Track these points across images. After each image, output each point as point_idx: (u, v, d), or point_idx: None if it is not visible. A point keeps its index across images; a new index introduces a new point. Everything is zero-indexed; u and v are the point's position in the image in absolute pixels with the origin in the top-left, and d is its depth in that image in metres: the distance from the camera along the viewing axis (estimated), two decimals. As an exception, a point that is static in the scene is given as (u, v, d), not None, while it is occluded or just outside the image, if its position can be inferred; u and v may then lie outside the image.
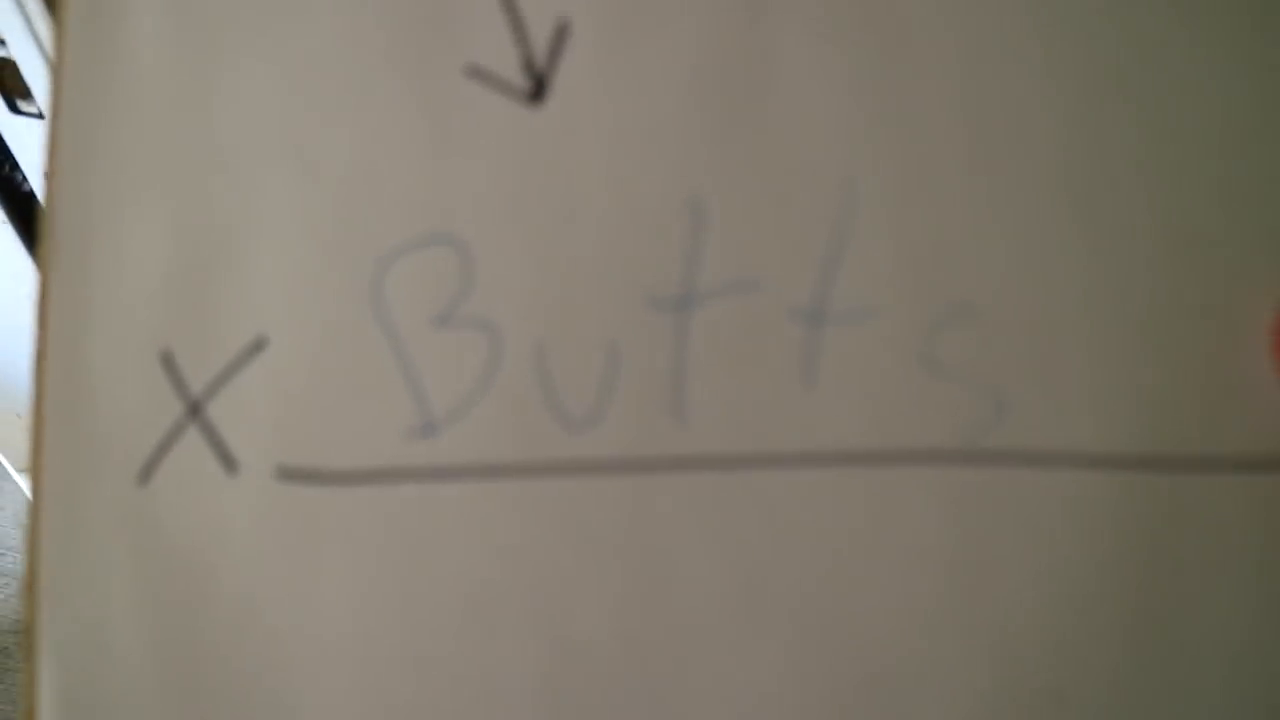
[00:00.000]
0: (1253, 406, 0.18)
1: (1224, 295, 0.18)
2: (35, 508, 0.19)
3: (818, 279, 0.18)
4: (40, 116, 0.47)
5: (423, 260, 0.19)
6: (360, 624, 0.19)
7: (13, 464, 0.78)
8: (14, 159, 0.51)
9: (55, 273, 0.19)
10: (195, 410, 0.19)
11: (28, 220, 0.55)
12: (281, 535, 0.19)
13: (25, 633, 0.19)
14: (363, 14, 0.19)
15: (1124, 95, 0.18)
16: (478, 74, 0.19)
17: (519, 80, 0.19)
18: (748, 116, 0.18)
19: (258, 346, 0.19)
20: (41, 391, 0.19)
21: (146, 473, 0.19)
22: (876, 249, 0.18)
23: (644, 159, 0.19)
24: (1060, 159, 0.18)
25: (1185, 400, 0.18)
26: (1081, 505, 0.18)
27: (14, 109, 0.48)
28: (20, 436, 0.72)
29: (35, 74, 0.45)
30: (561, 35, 0.19)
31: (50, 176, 0.20)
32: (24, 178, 0.52)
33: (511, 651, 0.18)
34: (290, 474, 0.19)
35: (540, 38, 0.19)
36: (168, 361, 0.19)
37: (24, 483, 0.80)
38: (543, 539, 0.18)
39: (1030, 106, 0.18)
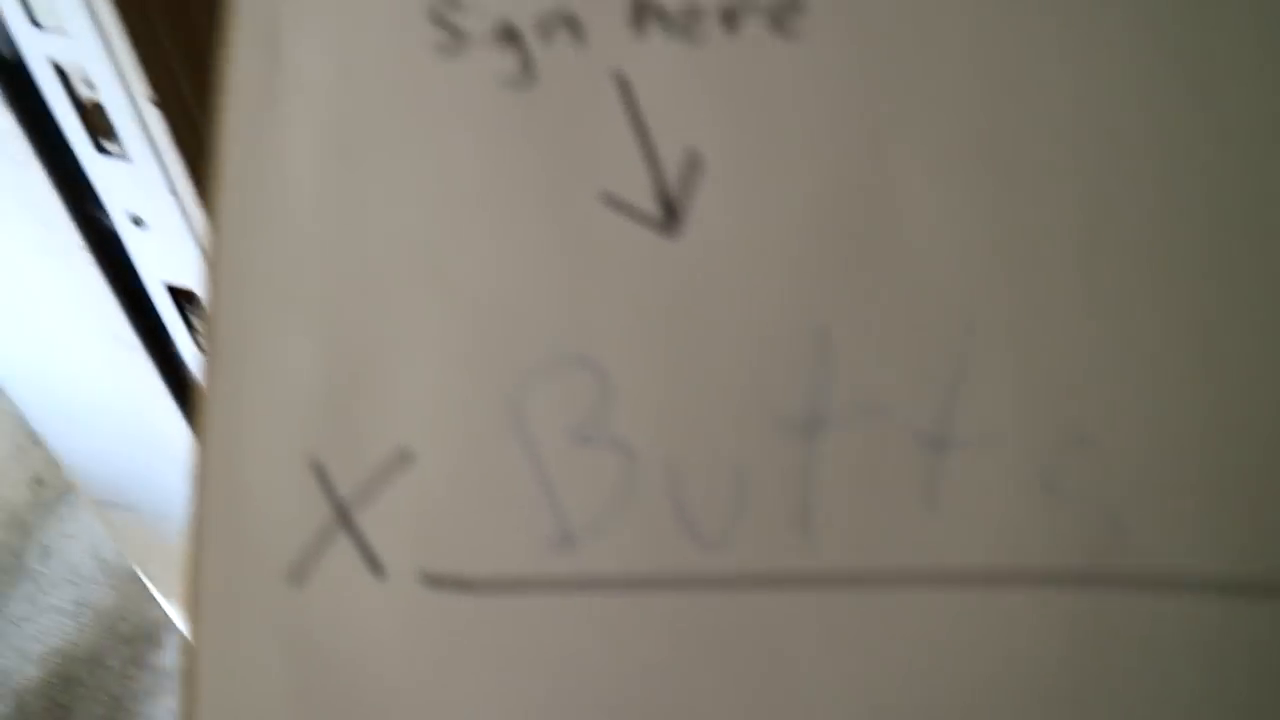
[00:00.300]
0: None
1: None
2: (194, 607, 0.21)
3: (940, 406, 0.19)
4: (124, 157, 0.49)
5: (560, 380, 0.20)
6: None
7: (91, 497, 0.81)
8: (99, 198, 0.53)
9: (214, 388, 0.21)
10: (344, 517, 0.20)
11: (111, 257, 0.57)
12: (425, 639, 0.20)
13: (185, 724, 0.21)
14: (503, 144, 0.20)
15: (1245, 230, 0.19)
16: (613, 202, 0.20)
17: (652, 209, 0.20)
18: (870, 248, 0.19)
19: (403, 458, 0.20)
20: (202, 496, 0.21)
21: (298, 576, 0.20)
22: (997, 377, 0.19)
23: (772, 288, 0.19)
24: (1181, 292, 0.19)
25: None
26: (1198, 629, 0.18)
27: (100, 149, 0.50)
28: (99, 470, 0.75)
29: (121, 116, 0.46)
30: (693, 166, 0.20)
31: (212, 294, 0.21)
32: (108, 217, 0.54)
33: None
34: (434, 580, 0.20)
35: (672, 168, 0.20)
36: (319, 471, 0.20)
37: (98, 514, 0.83)
38: (675, 651, 0.19)
39: (1147, 242, 0.19)
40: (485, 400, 0.20)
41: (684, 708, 0.19)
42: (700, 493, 0.19)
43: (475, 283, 0.20)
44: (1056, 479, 0.19)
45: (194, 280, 0.55)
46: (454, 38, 0.21)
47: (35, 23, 0.44)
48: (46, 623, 1.21)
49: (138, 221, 0.52)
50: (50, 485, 1.31)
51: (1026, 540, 0.19)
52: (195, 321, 0.59)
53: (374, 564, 0.20)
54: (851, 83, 0.20)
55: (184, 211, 0.50)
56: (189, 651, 0.21)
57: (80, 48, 0.43)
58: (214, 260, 0.21)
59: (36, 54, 0.45)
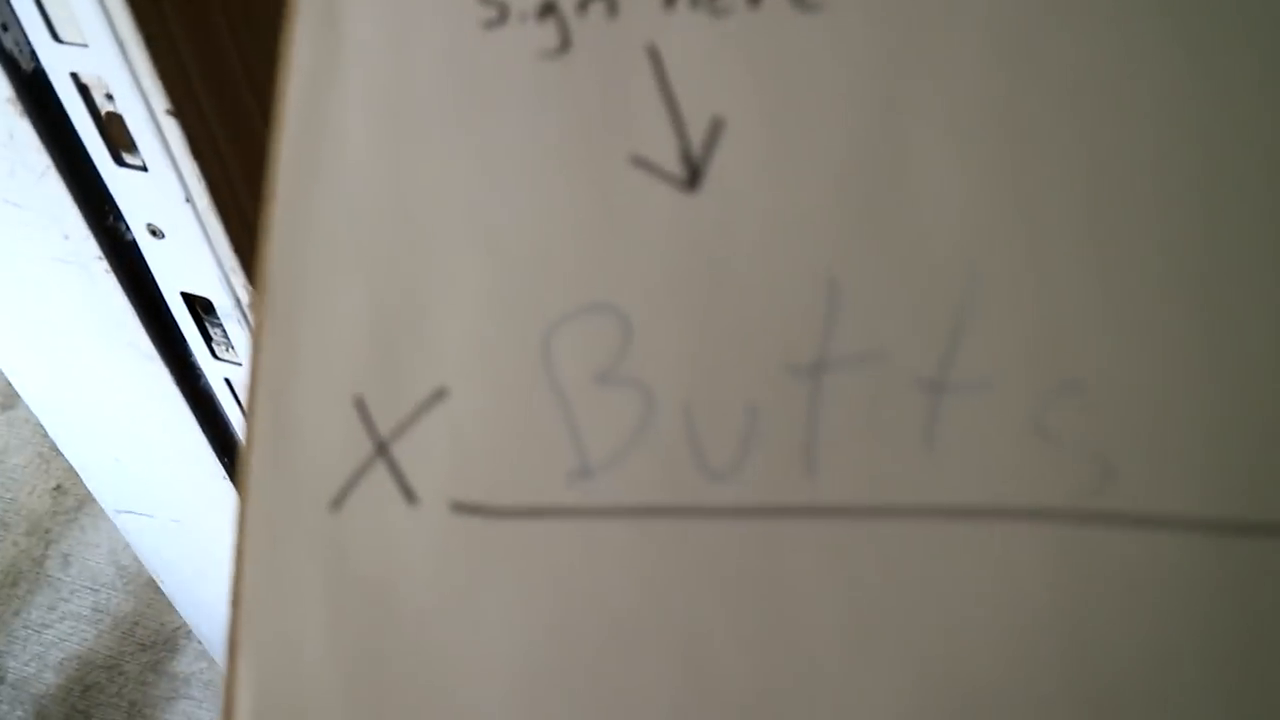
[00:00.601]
0: None
1: None
2: (241, 525, 0.22)
3: (941, 352, 0.20)
4: (144, 169, 0.50)
5: (587, 326, 0.21)
6: (517, 643, 0.21)
7: (109, 505, 0.82)
8: (119, 210, 0.55)
9: (267, 331, 0.23)
10: (382, 449, 0.22)
11: (130, 268, 0.58)
12: (452, 562, 0.21)
13: (229, 642, 0.22)
14: (540, 110, 0.22)
15: (1240, 181, 0.20)
16: (641, 163, 0.22)
17: (677, 169, 0.22)
18: (881, 204, 0.21)
19: (439, 396, 0.22)
20: (253, 426, 0.22)
21: (338, 502, 0.22)
22: (997, 326, 0.20)
23: (787, 242, 0.21)
24: (1179, 243, 0.20)
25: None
26: (1182, 567, 0.19)
27: (120, 161, 0.51)
28: (118, 478, 0.77)
29: (141, 128, 0.48)
30: (716, 130, 0.22)
31: (268, 242, 0.23)
32: (127, 228, 0.55)
33: (650, 676, 0.21)
34: (462, 508, 0.22)
35: (696, 132, 0.22)
36: (361, 407, 0.22)
37: (117, 522, 0.84)
38: (682, 576, 0.21)
39: (1146, 196, 0.20)
40: (516, 343, 0.22)
41: (688, 627, 0.20)
42: (712, 430, 0.21)
43: (511, 236, 0.22)
44: (1049, 422, 0.20)
45: (210, 289, 0.56)
46: (498, 12, 0.23)
47: (56, 37, 0.45)
48: (65, 629, 1.22)
49: (155, 232, 0.54)
50: (70, 493, 1.33)
51: (1018, 480, 0.20)
52: (211, 330, 0.60)
53: (408, 493, 0.22)
54: (868, 51, 0.21)
55: (200, 222, 0.51)
56: (237, 570, 0.22)
57: (100, 61, 0.45)
58: (272, 213, 0.23)
59: (57, 67, 0.47)
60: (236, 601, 0.22)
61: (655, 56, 0.22)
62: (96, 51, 0.44)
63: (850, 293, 0.21)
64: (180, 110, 0.46)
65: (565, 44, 0.22)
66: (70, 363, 0.66)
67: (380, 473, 0.22)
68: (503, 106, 0.22)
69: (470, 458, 0.22)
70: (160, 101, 0.46)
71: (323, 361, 0.22)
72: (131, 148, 0.50)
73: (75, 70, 0.46)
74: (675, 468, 0.21)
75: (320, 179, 0.23)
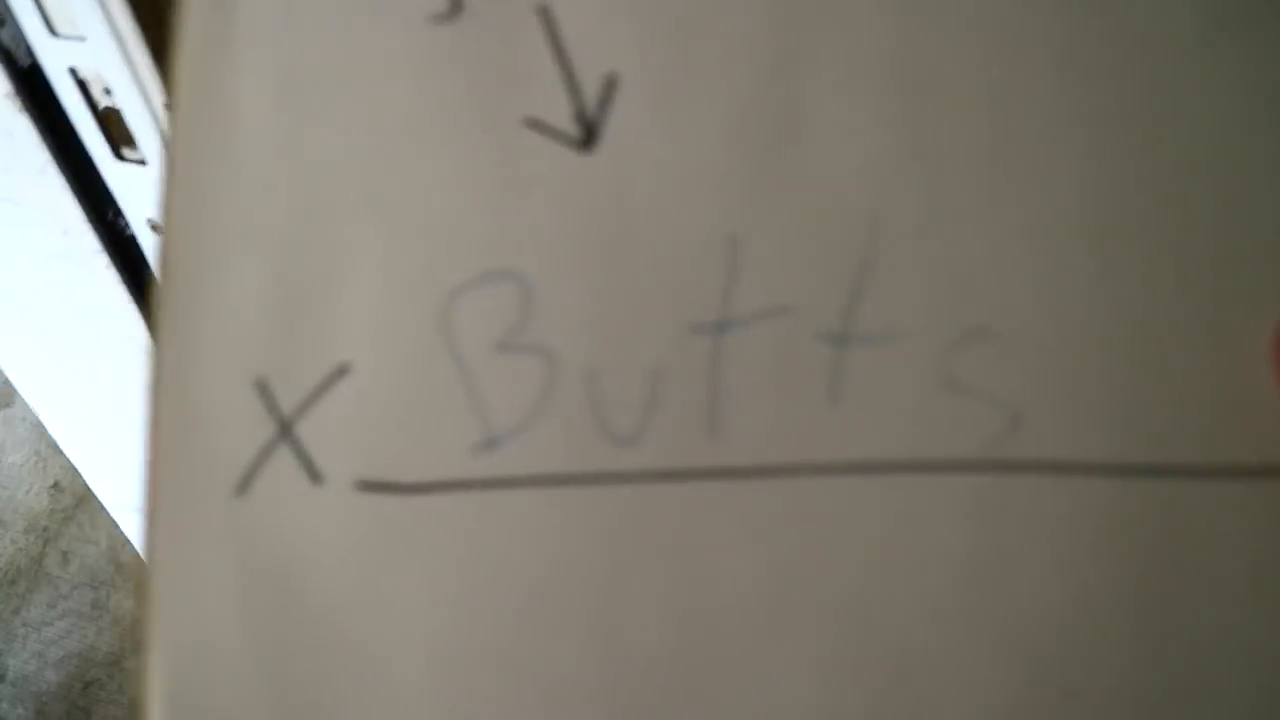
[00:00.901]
0: (1254, 418, 0.19)
1: (1228, 313, 0.19)
2: (149, 518, 0.22)
3: (844, 304, 0.20)
4: (143, 163, 0.50)
5: (487, 293, 0.21)
6: (430, 622, 0.21)
7: (109, 501, 0.82)
8: (118, 205, 0.54)
9: (167, 314, 0.22)
10: (285, 429, 0.21)
11: (131, 263, 0.58)
12: (361, 541, 0.21)
13: (137, 632, 0.22)
14: (433, 76, 0.22)
15: (1137, 128, 0.19)
16: (535, 125, 0.21)
17: (572, 129, 0.21)
18: (779, 159, 0.20)
19: (341, 372, 0.21)
20: (156, 415, 0.22)
21: (244, 486, 0.21)
22: (899, 276, 0.20)
23: (685, 200, 0.20)
24: (1074, 190, 0.20)
25: (1190, 412, 0.19)
26: (1092, 511, 0.19)
27: (119, 156, 0.51)
28: (117, 474, 0.77)
29: (140, 123, 0.47)
30: (610, 88, 0.21)
31: (166, 225, 0.22)
32: (127, 223, 0.55)
33: (568, 647, 0.20)
34: (369, 486, 0.21)
35: (591, 91, 0.21)
36: (262, 387, 0.22)
37: (121, 520, 0.84)
38: (593, 544, 0.20)
39: (1046, 141, 0.20)
40: (416, 314, 0.21)
41: (603, 595, 0.20)
42: (616, 394, 0.20)
43: (407, 205, 0.21)
44: (956, 372, 0.20)
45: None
46: (384, -26, 0.22)
47: (53, 31, 0.45)
48: (66, 626, 1.22)
49: (156, 227, 0.54)
50: (68, 491, 1.33)
51: (927, 432, 0.20)
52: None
53: (313, 474, 0.21)
54: (765, 3, 0.21)
55: (201, 218, 0.51)
56: (145, 562, 0.22)
57: (98, 55, 0.45)
58: (169, 192, 0.22)
59: (55, 62, 0.46)
60: (146, 595, 0.22)
61: (547, 15, 0.21)
62: (94, 46, 0.44)
63: (750, 248, 0.20)
64: (181, 104, 0.46)
65: (456, 6, 0.22)
66: (70, 358, 0.65)
67: (284, 454, 0.21)
68: (395, 72, 0.22)
69: (375, 434, 0.21)
70: (159, 95, 0.45)
71: (223, 343, 0.22)
72: (130, 142, 0.49)
73: (73, 65, 0.46)
74: (581, 434, 0.20)
75: (215, 155, 0.22)
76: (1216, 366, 0.19)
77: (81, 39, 0.44)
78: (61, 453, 0.79)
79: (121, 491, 0.80)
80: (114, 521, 0.86)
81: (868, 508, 0.20)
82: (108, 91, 0.47)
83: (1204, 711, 0.18)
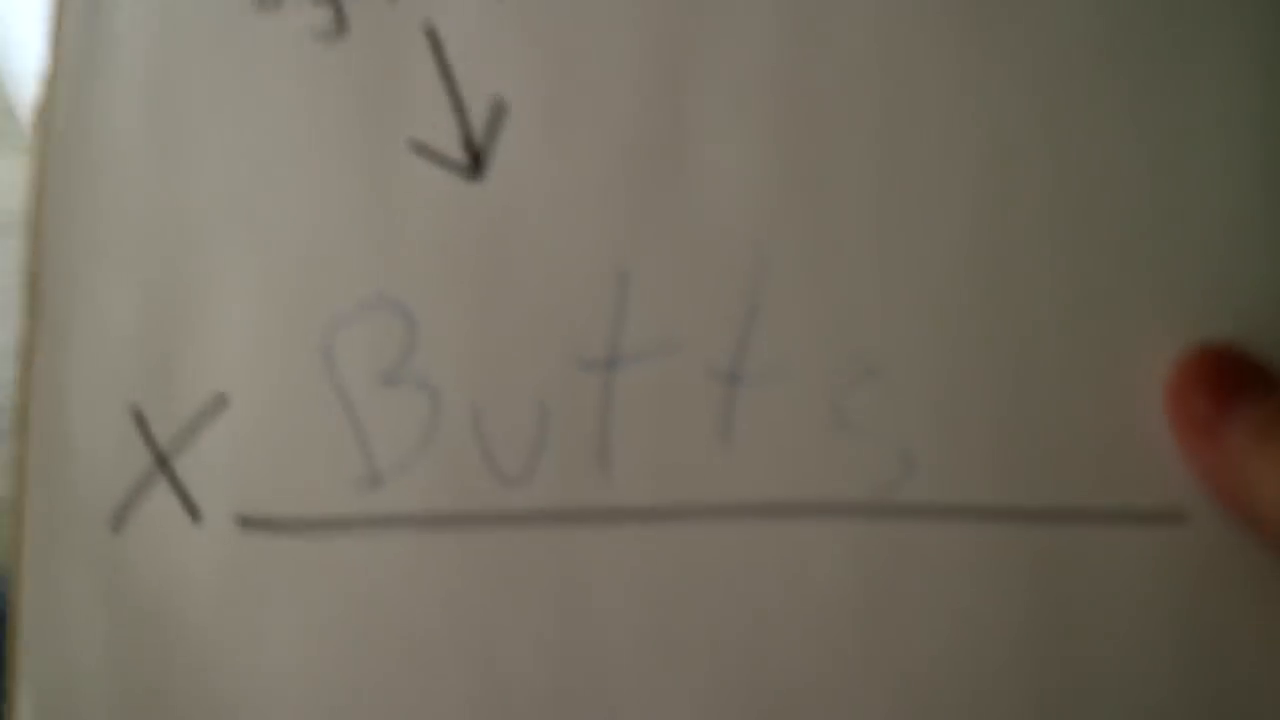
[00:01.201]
0: (1144, 460, 0.19)
1: (1119, 353, 0.19)
2: (16, 548, 0.21)
3: (734, 341, 0.19)
4: None
5: (370, 323, 0.20)
6: (306, 665, 0.20)
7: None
8: None
9: (38, 337, 0.21)
10: (162, 462, 0.21)
11: None
12: (238, 579, 0.20)
13: (7, 670, 0.21)
14: (316, 96, 0.21)
15: (1028, 164, 0.19)
16: (421, 150, 0.20)
17: (459, 155, 0.20)
18: (666, 190, 0.20)
19: (219, 404, 0.21)
20: (25, 439, 0.21)
21: (118, 521, 0.21)
22: (789, 313, 0.19)
23: (573, 231, 0.20)
24: (967, 226, 0.19)
25: (1079, 455, 0.19)
26: (980, 554, 0.19)
27: None
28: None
29: None
30: (498, 114, 0.20)
31: (35, 244, 0.21)
32: None
33: (448, 692, 0.20)
34: (248, 522, 0.20)
35: (478, 116, 0.20)
36: (139, 418, 0.21)
37: None
38: (477, 586, 0.20)
39: (939, 175, 0.19)
40: (297, 345, 0.20)
41: (484, 640, 0.20)
42: (503, 430, 0.20)
43: (288, 231, 0.21)
44: (847, 413, 0.19)
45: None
46: (267, -10, 0.21)
47: None
48: None
49: None
50: None
51: (817, 473, 0.19)
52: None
53: (191, 508, 0.21)
54: (652, 29, 0.20)
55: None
56: (14, 596, 0.21)
57: None
58: (38, 212, 0.21)
59: None
60: (14, 625, 0.21)
61: (434, 37, 0.21)
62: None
63: (639, 283, 0.20)
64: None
65: (341, 26, 0.21)
66: None
67: (161, 488, 0.21)
68: (277, 93, 0.21)
69: (254, 468, 0.20)
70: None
71: (97, 370, 0.21)
72: None
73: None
74: (466, 472, 0.20)
75: (89, 178, 0.21)
76: (1106, 408, 0.19)
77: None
78: None
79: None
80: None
81: (756, 551, 0.19)
82: None
83: None
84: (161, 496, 0.21)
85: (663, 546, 0.19)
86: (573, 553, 0.20)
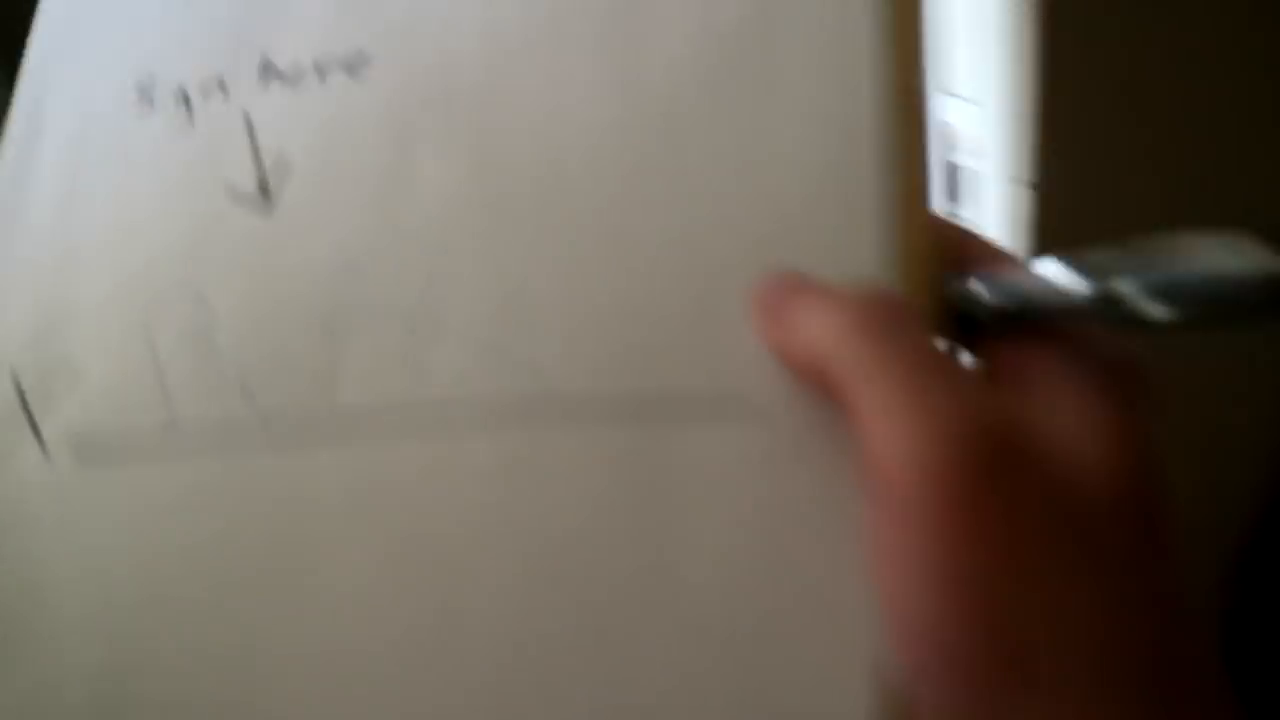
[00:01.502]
0: (731, 355, 0.24)
1: (714, 286, 0.24)
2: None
3: (414, 309, 0.26)
4: None
5: (181, 309, 0.28)
6: (109, 572, 0.27)
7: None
8: None
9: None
10: (26, 410, 0.28)
11: None
12: (74, 510, 0.27)
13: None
14: (168, 165, 0.30)
15: (649, 155, 0.25)
16: (231, 193, 0.29)
17: (256, 197, 0.29)
18: (394, 222, 0.27)
19: (75, 373, 0.28)
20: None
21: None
22: (459, 283, 0.26)
23: (326, 252, 0.28)
24: (586, 198, 0.26)
25: (682, 352, 0.24)
26: (596, 450, 0.24)
27: None
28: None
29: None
30: (284, 169, 0.29)
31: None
32: None
33: (203, 587, 0.26)
34: (83, 456, 0.28)
35: (271, 170, 0.29)
36: (16, 382, 0.29)
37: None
38: (240, 503, 0.26)
39: (538, 165, 0.27)
40: (130, 328, 0.28)
41: (238, 545, 0.26)
42: (266, 384, 0.27)
43: (136, 248, 0.29)
44: (500, 342, 0.26)
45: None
46: (149, 104, 0.31)
47: None
48: None
49: None
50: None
51: (477, 394, 0.25)
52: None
53: (41, 445, 0.28)
54: (395, 108, 0.29)
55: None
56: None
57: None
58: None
59: None
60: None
61: (248, 120, 0.30)
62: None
63: (368, 267, 0.27)
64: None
65: (191, 120, 0.30)
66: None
67: (22, 429, 0.28)
68: (144, 164, 0.30)
69: (92, 412, 0.28)
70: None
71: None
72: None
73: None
74: (234, 414, 0.27)
75: (15, 218, 0.31)
76: (704, 327, 0.24)
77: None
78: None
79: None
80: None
81: (428, 470, 0.25)
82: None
83: (683, 638, 0.23)
84: (20, 437, 0.28)
85: (375, 468, 0.26)
86: (310, 477, 0.26)
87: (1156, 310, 0.19)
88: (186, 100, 0.31)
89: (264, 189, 0.29)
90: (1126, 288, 0.20)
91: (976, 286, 0.23)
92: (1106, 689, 0.18)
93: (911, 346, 0.20)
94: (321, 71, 0.29)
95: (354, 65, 0.29)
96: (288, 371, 0.27)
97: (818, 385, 0.22)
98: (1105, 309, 0.20)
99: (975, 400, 0.19)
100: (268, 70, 0.30)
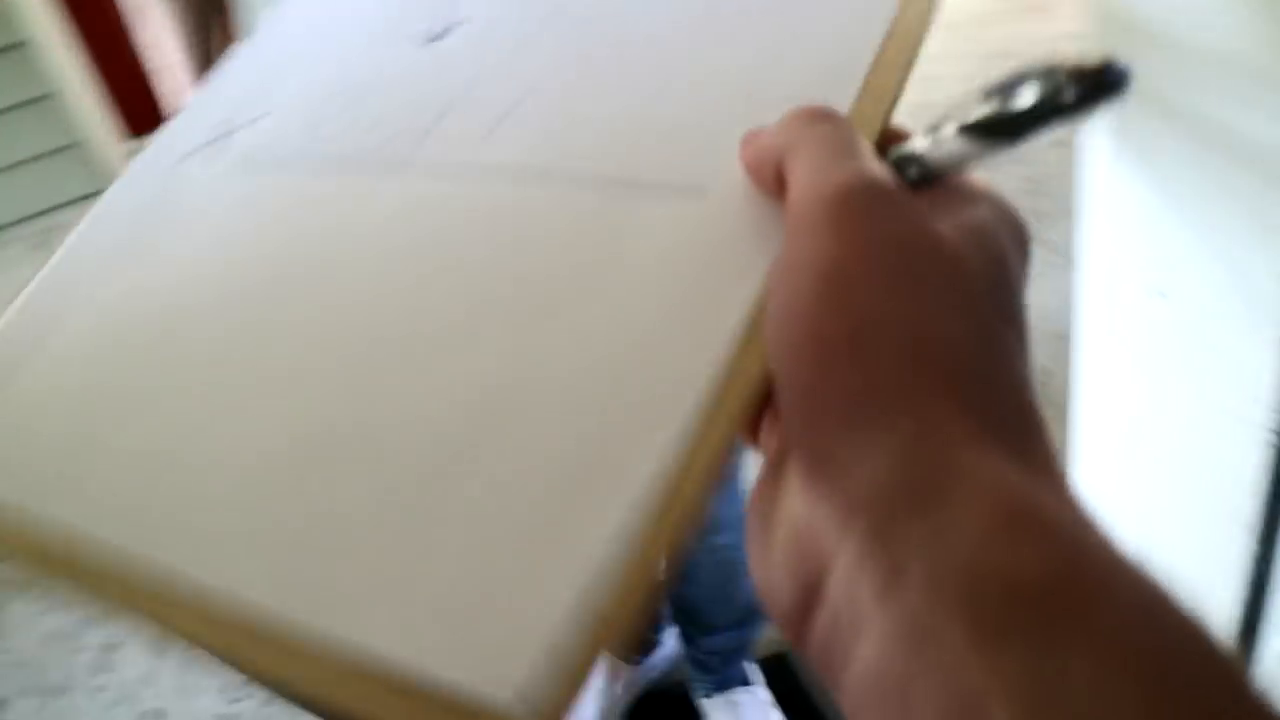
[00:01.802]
0: (689, 152, 0.30)
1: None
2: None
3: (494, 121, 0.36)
4: None
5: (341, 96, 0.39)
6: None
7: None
8: None
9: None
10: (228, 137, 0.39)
11: None
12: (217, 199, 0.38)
13: None
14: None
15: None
16: (413, 34, 0.40)
17: (427, 36, 0.40)
18: None
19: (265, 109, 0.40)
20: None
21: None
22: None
23: None
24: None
25: (660, 153, 0.31)
26: (557, 203, 0.31)
27: None
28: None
29: None
30: (456, 21, 0.40)
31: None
32: None
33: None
34: (245, 167, 0.38)
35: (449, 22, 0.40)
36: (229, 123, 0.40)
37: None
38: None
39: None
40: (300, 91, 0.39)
41: (327, 243, 0.34)
42: (386, 134, 0.37)
43: (328, 67, 0.41)
44: (550, 137, 0.34)
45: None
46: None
47: None
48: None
49: None
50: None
51: (516, 163, 0.33)
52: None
53: (220, 161, 0.39)
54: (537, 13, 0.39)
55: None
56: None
57: None
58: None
59: None
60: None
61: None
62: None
63: (482, 88, 0.37)
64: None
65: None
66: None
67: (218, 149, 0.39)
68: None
69: (260, 137, 0.39)
70: None
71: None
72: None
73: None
74: (352, 152, 0.37)
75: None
76: (694, 139, 0.31)
77: None
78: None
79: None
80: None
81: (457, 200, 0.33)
82: None
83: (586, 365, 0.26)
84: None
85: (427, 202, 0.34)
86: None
87: (964, 146, 0.25)
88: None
89: (435, 35, 0.40)
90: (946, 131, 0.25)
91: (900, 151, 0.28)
92: (922, 375, 0.21)
93: (834, 131, 0.26)
94: None
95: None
96: (402, 131, 0.36)
97: (772, 187, 0.27)
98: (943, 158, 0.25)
99: (870, 166, 0.24)
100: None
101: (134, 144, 3.13)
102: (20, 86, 2.80)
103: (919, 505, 0.20)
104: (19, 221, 2.96)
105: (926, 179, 0.26)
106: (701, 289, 0.27)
